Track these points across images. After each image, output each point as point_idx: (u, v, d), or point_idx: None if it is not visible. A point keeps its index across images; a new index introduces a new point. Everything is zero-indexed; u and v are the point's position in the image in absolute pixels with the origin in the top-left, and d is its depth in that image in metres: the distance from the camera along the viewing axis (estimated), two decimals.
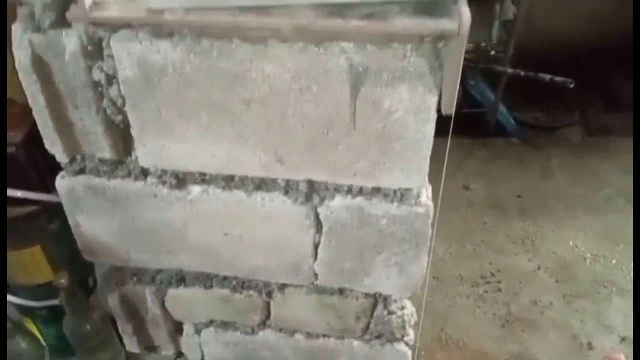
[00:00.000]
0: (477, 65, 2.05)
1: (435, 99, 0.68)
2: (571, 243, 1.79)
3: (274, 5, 0.67)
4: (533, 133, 2.31)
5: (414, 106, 0.69)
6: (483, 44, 2.01)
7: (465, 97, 2.19)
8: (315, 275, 0.91)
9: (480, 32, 2.00)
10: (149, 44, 0.69)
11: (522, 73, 2.00)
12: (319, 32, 0.66)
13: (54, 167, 0.86)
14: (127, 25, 0.68)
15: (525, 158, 2.14)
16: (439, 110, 0.70)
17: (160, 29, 0.68)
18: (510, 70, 2.03)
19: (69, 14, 0.68)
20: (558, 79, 1.95)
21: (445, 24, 0.64)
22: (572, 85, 1.92)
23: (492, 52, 2.03)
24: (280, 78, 0.69)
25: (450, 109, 0.69)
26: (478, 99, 2.28)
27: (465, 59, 1.89)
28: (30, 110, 0.78)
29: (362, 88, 0.69)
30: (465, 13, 0.63)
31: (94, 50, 0.71)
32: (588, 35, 2.38)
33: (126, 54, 0.70)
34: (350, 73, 0.68)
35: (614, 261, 1.72)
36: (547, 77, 1.95)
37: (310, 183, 0.81)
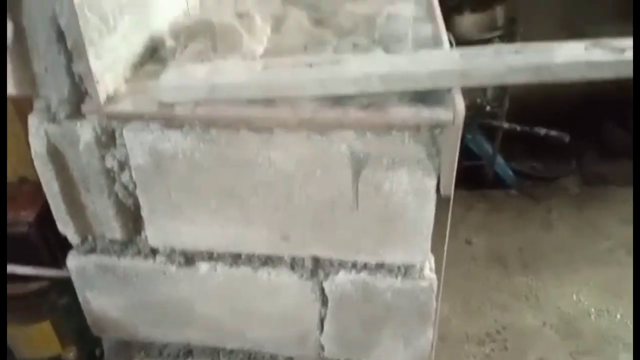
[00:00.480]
0: (474, 120, 2.10)
1: (434, 182, 0.71)
2: (575, 297, 1.79)
3: (279, 97, 0.71)
4: (531, 184, 2.34)
5: (413, 188, 0.72)
6: (479, 100, 2.07)
7: (464, 150, 2.23)
8: (322, 347, 0.92)
9: (476, 89, 2.06)
10: (160, 134, 0.73)
11: (518, 128, 2.05)
12: (321, 123, 0.70)
13: (65, 244, 0.89)
14: (139, 117, 0.72)
15: (525, 210, 2.17)
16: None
17: (171, 121, 0.72)
18: (506, 125, 2.08)
19: (84, 108, 0.72)
20: (553, 133, 1.99)
21: (441, 114, 0.67)
22: (567, 139, 1.97)
23: (488, 108, 2.09)
24: (286, 164, 0.72)
25: (449, 190, 0.72)
26: (476, 152, 2.32)
27: None
28: (41, 188, 0.81)
29: (364, 172, 0.72)
30: (459, 103, 0.67)
31: (107, 140, 0.75)
32: (579, 86, 2.44)
33: (138, 143, 0.74)
34: (352, 159, 0.71)
35: (618, 316, 1.71)
36: (543, 131, 2.00)
37: (316, 259, 0.83)
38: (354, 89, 0.70)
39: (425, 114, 0.68)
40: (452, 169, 0.70)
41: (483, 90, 2.06)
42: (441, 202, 0.74)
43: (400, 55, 0.73)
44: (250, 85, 0.70)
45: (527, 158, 2.46)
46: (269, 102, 0.70)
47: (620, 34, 0.75)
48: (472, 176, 2.26)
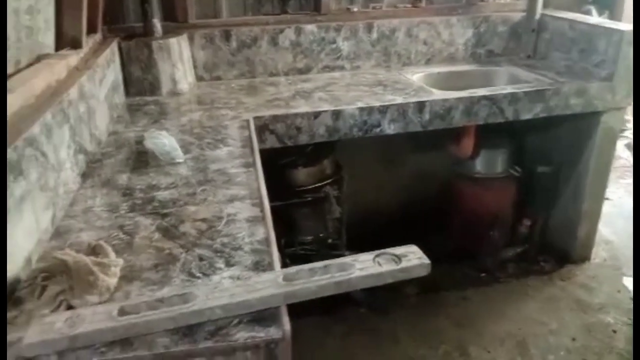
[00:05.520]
0: (319, 252, 2.35)
1: None
2: None
3: (134, 335, 0.83)
4: (378, 296, 2.61)
5: None
6: (321, 235, 2.34)
7: None
8: None
9: (317, 226, 2.34)
10: None
11: None
12: (175, 355, 0.82)
13: None
14: None
15: (376, 327, 2.41)
16: None
17: None
18: (347, 254, 2.36)
19: None
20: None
21: (273, 333, 0.85)
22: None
23: (330, 241, 2.36)
24: None
25: None
26: None
27: (307, 249, 2.14)
28: None
29: None
30: (286, 323, 0.85)
31: None
32: (401, 204, 2.86)
33: None
34: None
35: None
36: None
37: None
38: (200, 320, 0.85)
39: (262, 334, 0.84)
40: None
41: (324, 226, 2.34)
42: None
43: (237, 284, 0.90)
44: (108, 331, 0.81)
45: None
46: (126, 340, 0.82)
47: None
48: (326, 298, 2.47)
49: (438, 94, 2.11)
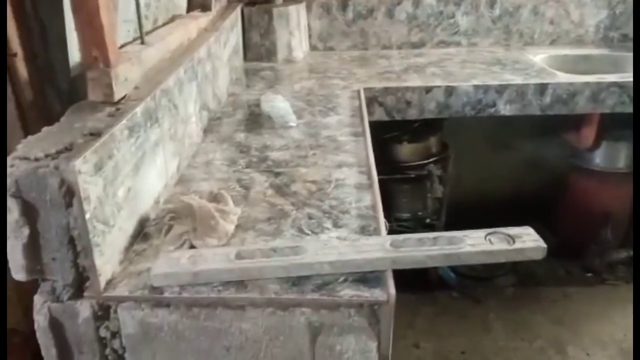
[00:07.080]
0: (415, 231, 2.32)
1: (375, 343, 0.89)
2: None
3: (248, 279, 0.88)
4: (471, 283, 2.56)
5: (359, 348, 0.89)
6: (419, 213, 2.32)
7: None
8: None
9: (416, 204, 2.31)
10: (149, 311, 0.87)
11: None
12: (284, 302, 0.87)
13: None
14: (133, 299, 0.87)
15: (467, 312, 2.36)
16: None
17: (159, 302, 0.87)
18: None
19: (86, 293, 0.87)
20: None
21: (378, 295, 0.86)
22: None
23: (428, 220, 2.33)
24: (254, 331, 0.88)
25: (387, 350, 0.89)
26: None
27: (404, 227, 2.15)
28: (30, 338, 0.93)
29: (319, 337, 0.88)
30: (391, 286, 0.86)
31: (103, 314, 0.89)
32: (508, 189, 2.75)
33: (130, 317, 0.88)
34: (309, 327, 0.88)
35: None
36: None
37: None
38: (309, 272, 0.88)
39: (366, 294, 0.86)
40: (388, 333, 0.88)
41: (423, 205, 2.31)
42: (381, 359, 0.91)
43: (345, 244, 0.92)
44: (226, 272, 0.87)
45: None
46: (241, 283, 0.88)
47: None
48: (417, 279, 2.46)
49: (562, 77, 1.97)
